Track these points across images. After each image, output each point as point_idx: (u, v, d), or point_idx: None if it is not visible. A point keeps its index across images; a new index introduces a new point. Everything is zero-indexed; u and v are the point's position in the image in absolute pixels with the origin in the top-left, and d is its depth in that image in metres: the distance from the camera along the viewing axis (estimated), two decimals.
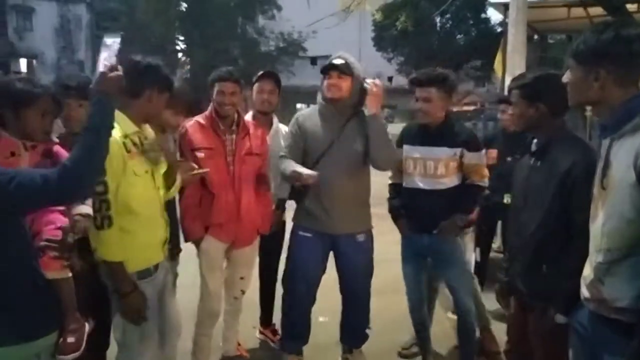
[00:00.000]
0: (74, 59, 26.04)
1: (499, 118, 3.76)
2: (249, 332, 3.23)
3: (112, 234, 1.82)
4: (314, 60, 24.08)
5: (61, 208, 1.83)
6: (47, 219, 1.78)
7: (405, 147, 2.61)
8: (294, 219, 2.67)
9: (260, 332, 3.25)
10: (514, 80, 2.10)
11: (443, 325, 2.70)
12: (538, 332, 1.90)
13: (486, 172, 2.63)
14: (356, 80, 2.47)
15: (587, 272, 1.50)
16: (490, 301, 3.72)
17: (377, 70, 17.63)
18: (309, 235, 2.57)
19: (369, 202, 2.66)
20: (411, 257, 2.68)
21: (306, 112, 2.65)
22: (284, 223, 3.07)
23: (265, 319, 3.22)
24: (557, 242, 1.79)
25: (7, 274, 1.43)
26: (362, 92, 2.47)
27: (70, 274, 1.80)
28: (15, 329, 1.45)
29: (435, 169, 2.51)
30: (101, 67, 1.53)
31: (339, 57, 2.51)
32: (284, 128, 2.99)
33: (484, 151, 2.64)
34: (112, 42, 1.61)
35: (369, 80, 2.47)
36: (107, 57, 1.58)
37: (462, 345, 2.70)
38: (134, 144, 1.90)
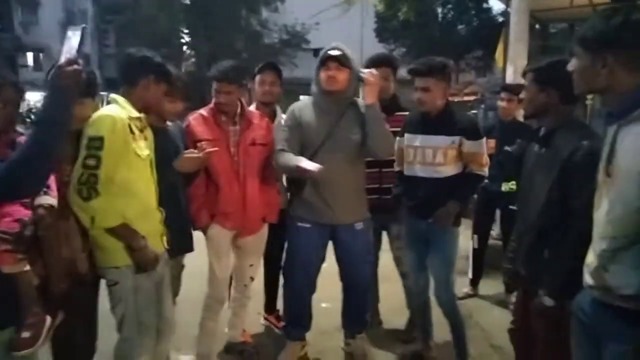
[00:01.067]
0: (79, 51, 25.98)
1: (498, 106, 3.78)
2: (254, 319, 3.29)
3: (103, 200, 1.84)
4: (316, 52, 23.74)
5: (25, 200, 1.75)
6: (5, 210, 1.68)
7: (407, 135, 2.64)
8: (291, 210, 2.70)
9: (265, 319, 3.32)
10: (529, 64, 2.09)
11: (437, 309, 2.74)
12: (540, 317, 1.89)
13: (486, 161, 2.61)
14: (353, 71, 2.51)
15: (591, 259, 1.47)
16: (487, 287, 3.82)
17: None
18: (307, 226, 2.61)
19: (365, 191, 2.72)
20: (413, 243, 2.72)
21: (301, 104, 2.66)
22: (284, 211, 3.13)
23: (269, 306, 3.30)
24: (558, 228, 1.80)
25: None
26: (358, 83, 2.53)
27: (27, 267, 1.73)
28: None
29: (434, 157, 2.52)
30: (61, 59, 1.48)
31: (335, 48, 2.50)
32: (284, 117, 3.05)
33: (484, 140, 2.62)
34: (74, 35, 1.52)
35: (365, 71, 2.51)
36: (67, 50, 1.51)
37: (451, 330, 2.71)
38: (137, 128, 1.97)
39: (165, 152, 2.37)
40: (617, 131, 1.40)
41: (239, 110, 2.69)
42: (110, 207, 1.88)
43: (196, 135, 2.61)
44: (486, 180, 2.82)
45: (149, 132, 2.09)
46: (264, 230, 2.85)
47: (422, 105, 2.55)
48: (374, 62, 2.89)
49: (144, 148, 1.99)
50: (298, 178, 2.60)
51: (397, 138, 2.69)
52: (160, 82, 2.04)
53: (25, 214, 1.70)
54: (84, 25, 1.78)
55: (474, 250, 3.81)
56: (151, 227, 2.05)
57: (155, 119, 2.36)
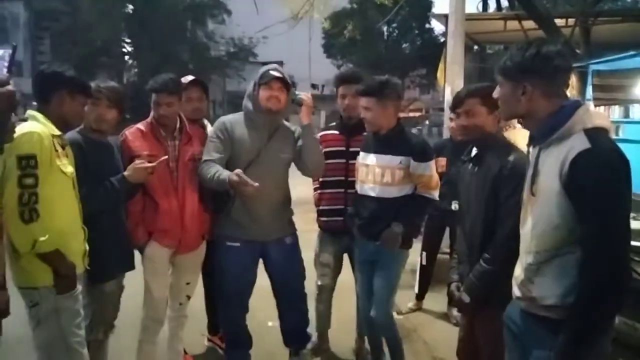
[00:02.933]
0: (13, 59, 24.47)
1: (449, 126, 3.77)
2: (197, 340, 3.19)
3: (43, 224, 1.80)
4: (264, 66, 23.95)
5: None
6: None
7: (361, 153, 2.65)
8: (219, 229, 2.63)
9: (209, 340, 3.21)
10: (465, 85, 2.19)
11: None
12: (483, 332, 1.99)
13: (434, 183, 2.54)
14: (290, 93, 2.58)
15: (518, 272, 1.58)
16: (430, 300, 3.90)
17: (326, 78, 17.84)
18: (236, 244, 2.56)
19: (291, 206, 2.73)
20: (362, 265, 2.70)
21: (232, 118, 2.62)
22: None
23: (213, 326, 3.20)
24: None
25: None
26: (291, 105, 2.59)
27: None
28: None
29: (382, 176, 2.51)
30: None
31: (275, 69, 2.54)
32: None
33: (432, 162, 2.54)
34: (3, 53, 1.47)
35: (301, 94, 2.59)
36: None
37: (389, 350, 2.71)
38: (60, 145, 1.95)
39: (113, 168, 2.33)
40: (539, 153, 1.52)
41: (178, 124, 2.62)
42: (49, 232, 1.82)
43: (133, 150, 2.51)
44: (437, 198, 2.72)
45: (69, 150, 2.05)
46: (203, 247, 2.77)
47: (366, 124, 2.58)
48: (345, 80, 2.92)
49: (67, 165, 1.97)
50: (222, 195, 2.54)
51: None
52: (75, 95, 1.99)
53: None
54: (14, 43, 1.68)
55: (422, 266, 3.82)
56: (75, 247, 2.00)
57: (96, 134, 2.30)
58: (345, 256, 3.00)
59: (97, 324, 2.35)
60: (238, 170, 2.33)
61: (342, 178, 2.83)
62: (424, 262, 3.79)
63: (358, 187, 2.65)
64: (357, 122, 2.85)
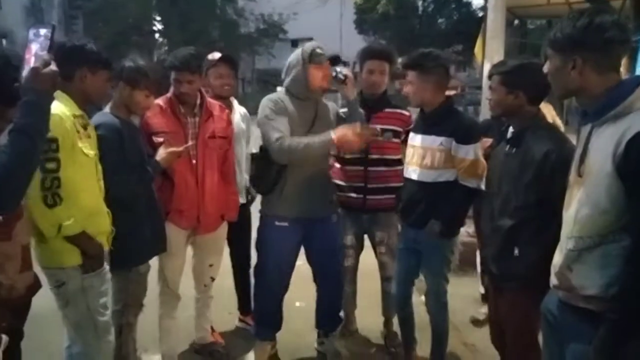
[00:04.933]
0: None
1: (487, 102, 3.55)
2: (225, 319, 3.21)
3: (66, 208, 1.80)
4: (294, 43, 23.68)
5: None
6: None
7: (410, 135, 2.57)
8: (268, 210, 2.57)
9: (240, 320, 3.22)
10: (495, 66, 2.12)
11: (418, 309, 2.70)
12: (508, 315, 1.96)
13: (480, 170, 2.28)
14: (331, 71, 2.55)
15: (557, 259, 1.51)
16: (463, 286, 3.80)
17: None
18: (284, 224, 2.52)
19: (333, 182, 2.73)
20: (402, 252, 2.62)
21: (281, 96, 2.57)
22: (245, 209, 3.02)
23: (244, 306, 3.19)
24: (530, 227, 1.84)
25: None
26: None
27: None
28: None
29: (423, 158, 2.38)
30: (32, 62, 1.35)
31: (319, 47, 2.50)
32: (240, 109, 3.00)
33: (476, 145, 2.31)
34: (43, 33, 1.42)
35: (343, 70, 2.55)
36: (38, 50, 1.38)
37: (433, 341, 2.64)
38: (82, 126, 1.91)
39: (141, 148, 2.30)
40: (591, 132, 1.43)
41: (198, 100, 2.56)
42: (73, 215, 1.82)
43: (152, 127, 2.48)
44: (482, 188, 2.35)
45: (92, 130, 2.00)
46: (223, 228, 2.74)
47: (407, 99, 2.49)
48: (375, 55, 2.82)
49: (88, 146, 1.92)
50: (272, 175, 2.49)
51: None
52: (96, 70, 1.93)
53: None
54: (53, 23, 1.64)
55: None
56: (101, 229, 1.98)
57: (123, 110, 2.25)
58: (365, 237, 2.97)
59: (131, 307, 2.35)
60: (347, 126, 2.33)
61: (363, 156, 2.74)
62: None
63: (405, 169, 2.56)
64: (379, 98, 2.79)
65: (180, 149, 2.38)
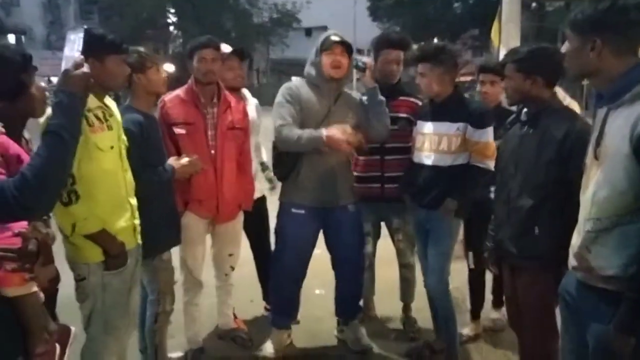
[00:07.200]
0: (63, 34, 25.50)
1: (479, 91, 3.02)
2: (248, 307, 3.26)
3: (83, 206, 1.79)
4: (308, 32, 23.69)
5: None
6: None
7: (418, 122, 2.61)
8: (284, 196, 2.64)
9: (266, 309, 3.22)
10: (507, 54, 2.13)
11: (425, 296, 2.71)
12: (527, 295, 1.98)
13: (491, 152, 2.41)
14: (352, 59, 2.56)
15: (575, 240, 1.52)
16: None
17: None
18: (302, 212, 2.56)
19: (352, 172, 2.72)
20: (416, 232, 2.70)
21: (298, 83, 2.62)
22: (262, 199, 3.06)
23: (268, 295, 3.23)
24: (550, 206, 1.88)
25: None
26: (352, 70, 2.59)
27: (35, 288, 1.53)
28: None
29: (438, 144, 2.46)
30: (64, 64, 1.39)
31: (335, 34, 2.53)
32: (253, 100, 3.03)
33: (490, 129, 2.44)
34: (76, 37, 1.45)
35: (364, 58, 2.59)
36: (71, 53, 1.43)
37: (439, 328, 2.67)
38: (97, 118, 1.85)
39: (157, 144, 2.32)
40: (607, 114, 1.43)
41: (216, 91, 2.61)
42: (90, 213, 1.81)
43: (172, 118, 2.52)
44: (492, 169, 2.40)
45: (114, 121, 1.95)
46: (240, 217, 2.79)
47: (420, 90, 2.55)
48: (389, 44, 2.83)
49: (106, 139, 1.87)
50: (289, 161, 2.53)
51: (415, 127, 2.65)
52: (103, 58, 1.82)
53: (21, 225, 1.44)
54: (85, 27, 1.66)
55: (471, 272, 2.94)
56: (123, 223, 1.95)
57: (146, 97, 2.27)
58: (383, 225, 2.99)
59: (166, 294, 2.38)
60: (337, 125, 2.39)
61: (379, 145, 2.76)
62: (472, 266, 2.88)
63: (414, 155, 2.60)
64: (393, 87, 2.81)
65: (199, 165, 2.40)
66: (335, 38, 2.50)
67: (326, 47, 2.49)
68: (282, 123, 2.47)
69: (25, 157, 1.49)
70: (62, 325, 1.80)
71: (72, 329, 1.81)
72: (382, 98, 2.58)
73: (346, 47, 2.51)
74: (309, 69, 2.58)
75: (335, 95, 2.57)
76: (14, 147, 1.48)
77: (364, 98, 2.62)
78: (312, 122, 2.50)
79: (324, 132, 2.39)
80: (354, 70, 2.62)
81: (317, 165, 2.51)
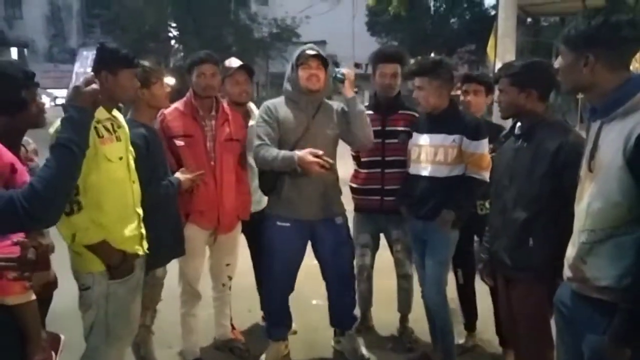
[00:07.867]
0: (65, 47, 25.75)
1: (461, 101, 2.87)
2: (245, 317, 3.27)
3: (85, 216, 1.80)
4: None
5: None
6: None
7: (414, 134, 2.64)
8: (270, 209, 2.65)
9: (264, 319, 3.22)
10: (501, 69, 2.17)
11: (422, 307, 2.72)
12: (521, 306, 2.00)
13: (486, 163, 2.46)
14: (328, 71, 2.58)
15: (570, 251, 1.54)
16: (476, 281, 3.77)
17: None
18: (287, 224, 2.57)
19: (339, 185, 2.72)
20: (414, 243, 2.71)
21: (275, 101, 2.64)
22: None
23: None
24: (544, 218, 1.90)
25: None
26: (332, 82, 2.59)
27: (33, 297, 1.54)
28: None
29: (435, 155, 2.49)
30: (75, 80, 1.44)
31: (311, 48, 2.55)
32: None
33: (485, 141, 2.49)
34: (88, 54, 1.49)
35: (342, 69, 2.59)
36: (81, 70, 1.46)
37: (437, 339, 2.68)
38: (107, 129, 1.89)
39: (161, 156, 2.34)
40: (601, 127, 1.46)
41: (214, 103, 2.65)
42: (91, 224, 1.82)
43: (172, 130, 2.56)
44: (487, 180, 2.43)
45: (123, 132, 1.98)
46: (238, 228, 2.82)
47: (417, 104, 2.58)
48: (387, 57, 2.87)
49: (114, 150, 1.90)
50: (271, 175, 2.55)
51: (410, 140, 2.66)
52: (117, 71, 1.88)
53: (20, 235, 1.43)
54: (98, 44, 1.69)
55: (460, 287, 2.94)
56: (130, 232, 1.96)
57: (148, 110, 2.30)
58: (382, 236, 3.00)
59: (147, 309, 2.39)
60: (311, 149, 2.38)
61: (379, 158, 2.80)
62: (461, 282, 2.90)
63: (410, 167, 2.62)
64: (393, 101, 2.84)
65: (199, 173, 2.44)
66: (310, 52, 2.51)
67: (302, 61, 2.51)
68: (259, 143, 2.50)
69: (20, 166, 1.52)
70: (52, 333, 1.80)
71: (62, 337, 1.81)
72: (362, 107, 2.59)
73: (322, 60, 2.52)
74: (286, 85, 2.60)
75: (314, 108, 2.57)
76: (7, 155, 1.49)
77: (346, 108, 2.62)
78: (292, 137, 2.52)
79: (297, 153, 2.40)
80: (337, 82, 2.60)
81: (300, 181, 2.51)
